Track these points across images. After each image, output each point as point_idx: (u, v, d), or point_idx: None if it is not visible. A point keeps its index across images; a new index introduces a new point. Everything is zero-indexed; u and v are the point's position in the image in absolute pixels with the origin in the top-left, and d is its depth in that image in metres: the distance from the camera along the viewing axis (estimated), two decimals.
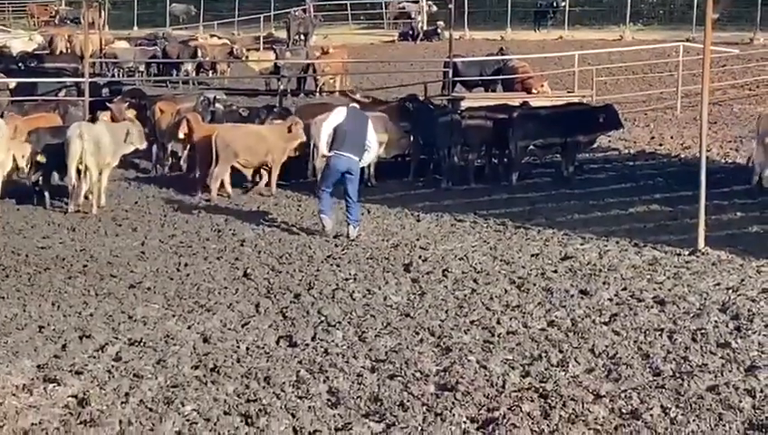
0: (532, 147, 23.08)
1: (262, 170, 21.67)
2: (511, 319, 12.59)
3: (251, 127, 22.50)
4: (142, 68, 41.56)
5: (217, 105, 23.87)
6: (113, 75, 39.91)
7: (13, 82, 27.69)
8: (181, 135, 21.96)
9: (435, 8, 60.67)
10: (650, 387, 10.24)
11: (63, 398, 10.14)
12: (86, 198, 19.74)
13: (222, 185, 21.00)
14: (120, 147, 20.40)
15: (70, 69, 33.84)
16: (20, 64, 34.19)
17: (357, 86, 34.63)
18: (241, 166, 21.27)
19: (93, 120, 24.69)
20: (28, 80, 28.74)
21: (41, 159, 19.86)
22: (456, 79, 32.70)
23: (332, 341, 11.89)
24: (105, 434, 9.19)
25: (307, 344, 11.79)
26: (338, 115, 17.55)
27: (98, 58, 39.71)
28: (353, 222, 17.48)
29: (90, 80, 27.18)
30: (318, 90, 37.48)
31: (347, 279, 14.68)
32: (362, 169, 18.31)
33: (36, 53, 40.35)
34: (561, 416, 9.49)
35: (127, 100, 25.26)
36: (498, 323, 12.45)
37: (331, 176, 17.51)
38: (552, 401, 9.85)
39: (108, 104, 24.67)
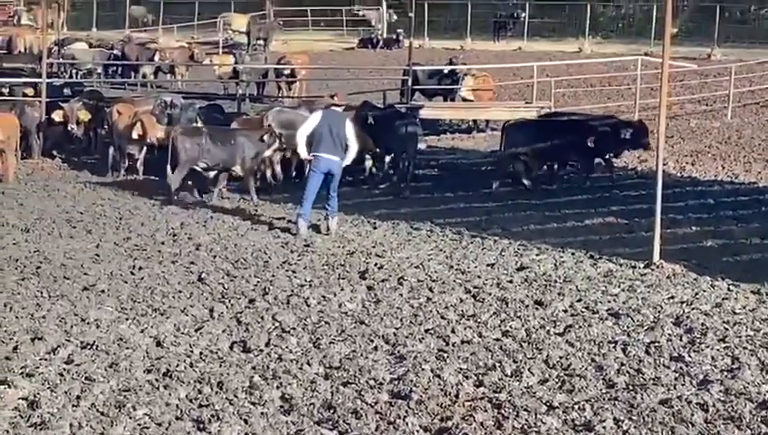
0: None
1: None
2: (465, 328, 12.58)
3: None
4: (100, 70, 41.39)
5: (174, 110, 23.76)
6: (71, 76, 39.73)
7: None
8: (135, 136, 22.00)
9: (395, 17, 60.97)
10: (603, 399, 10.26)
11: (14, 400, 10.04)
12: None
13: None
14: None
15: (27, 69, 33.77)
16: None
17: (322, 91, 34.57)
18: None
19: (50, 121, 24.66)
20: None
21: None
22: (416, 87, 32.78)
23: (286, 347, 11.85)
24: None
25: (261, 350, 11.74)
26: (314, 119, 18.12)
27: (56, 59, 39.57)
28: (332, 213, 18.10)
29: (47, 80, 27.06)
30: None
31: (302, 285, 14.63)
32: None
33: None
34: (514, 426, 9.49)
35: (83, 101, 25.22)
36: (453, 332, 12.44)
37: (314, 178, 17.96)
38: (506, 411, 9.85)
39: (61, 105, 24.61)
